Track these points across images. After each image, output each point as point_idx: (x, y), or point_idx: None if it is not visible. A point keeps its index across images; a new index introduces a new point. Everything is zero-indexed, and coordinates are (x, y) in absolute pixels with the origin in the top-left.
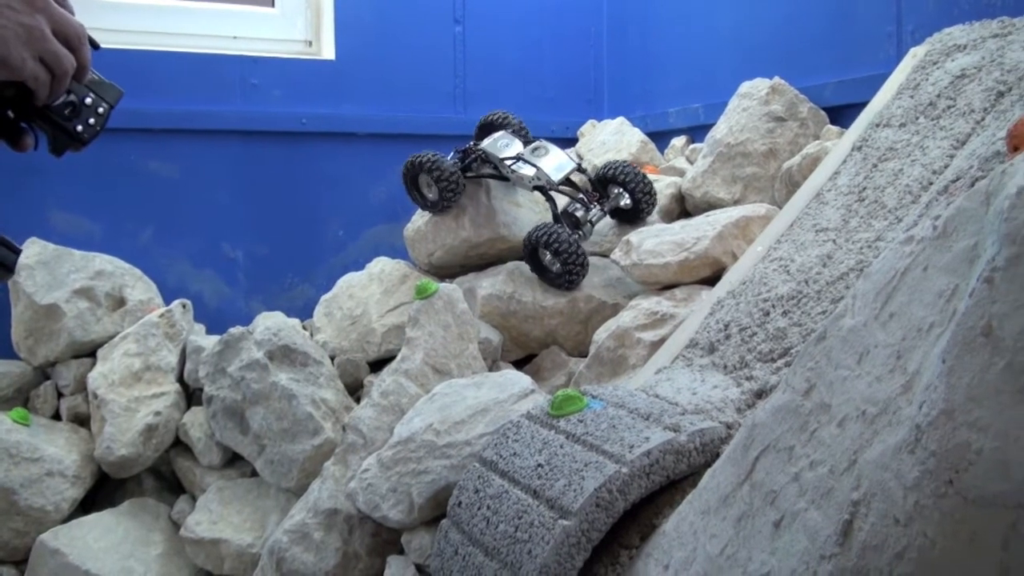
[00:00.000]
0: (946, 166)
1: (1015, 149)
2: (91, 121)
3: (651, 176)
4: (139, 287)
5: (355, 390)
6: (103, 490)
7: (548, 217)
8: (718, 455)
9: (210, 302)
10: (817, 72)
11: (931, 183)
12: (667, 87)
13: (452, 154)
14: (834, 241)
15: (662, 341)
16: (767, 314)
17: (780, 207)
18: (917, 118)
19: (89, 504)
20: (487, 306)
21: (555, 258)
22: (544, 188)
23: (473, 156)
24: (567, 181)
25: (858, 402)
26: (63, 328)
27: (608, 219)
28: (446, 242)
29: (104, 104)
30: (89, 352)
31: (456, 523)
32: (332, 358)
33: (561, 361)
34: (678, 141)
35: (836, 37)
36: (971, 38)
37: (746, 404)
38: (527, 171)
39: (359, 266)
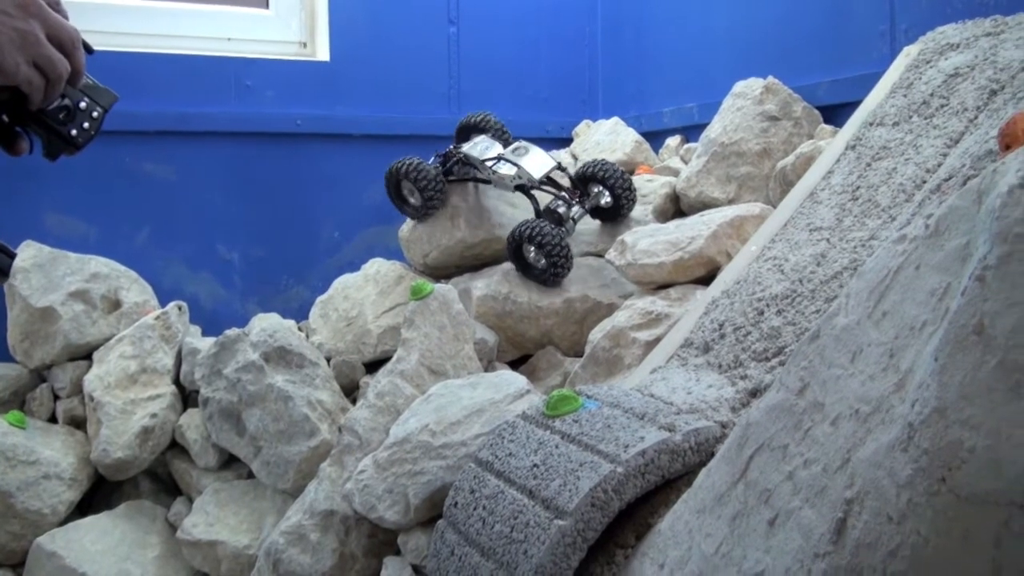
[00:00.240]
0: (939, 165)
1: (1007, 147)
2: (85, 125)
3: (646, 176)
4: (135, 289)
5: (351, 391)
6: (100, 493)
7: None
8: (713, 454)
9: (206, 304)
10: (811, 71)
11: (925, 182)
12: (661, 87)
13: (433, 158)
14: (828, 240)
15: (657, 341)
16: (761, 313)
17: (774, 206)
18: (910, 117)
19: (86, 507)
20: (482, 307)
21: (539, 253)
22: (526, 187)
23: (454, 159)
24: (549, 180)
25: (851, 401)
26: (59, 331)
27: (589, 218)
28: (441, 243)
29: (98, 108)
30: (85, 355)
31: (452, 523)
32: (328, 359)
33: (557, 361)
34: (672, 141)
35: (829, 36)
36: (964, 37)
37: (741, 403)
38: (508, 170)
39: (354, 267)
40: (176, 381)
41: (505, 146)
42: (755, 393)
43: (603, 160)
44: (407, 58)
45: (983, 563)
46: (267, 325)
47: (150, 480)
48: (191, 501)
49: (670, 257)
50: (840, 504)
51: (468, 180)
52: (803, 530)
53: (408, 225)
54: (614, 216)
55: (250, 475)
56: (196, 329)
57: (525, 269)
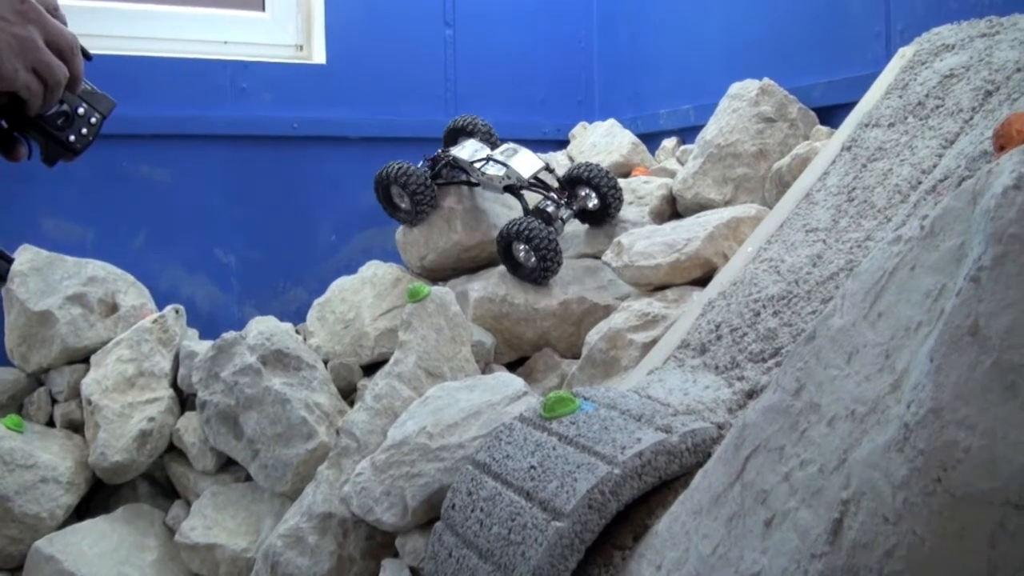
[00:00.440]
0: (935, 165)
1: (1002, 148)
2: (83, 131)
3: (642, 177)
4: (132, 293)
5: (348, 394)
6: (97, 496)
7: None
8: (710, 455)
9: (203, 307)
10: (806, 73)
11: (920, 182)
12: (657, 89)
13: (421, 163)
14: (824, 241)
15: (654, 342)
16: (757, 314)
17: (770, 208)
18: (906, 118)
19: (84, 511)
20: (479, 309)
21: (530, 249)
22: (515, 187)
23: (443, 162)
24: (537, 181)
25: (847, 401)
26: (56, 334)
27: (577, 222)
28: (438, 245)
29: (97, 114)
30: (82, 358)
31: (450, 526)
32: (325, 362)
33: (554, 363)
34: (669, 142)
35: (825, 38)
36: (959, 38)
37: (737, 404)
38: (497, 171)
39: (351, 270)
40: (173, 384)
41: (493, 149)
42: (752, 394)
43: (590, 163)
44: (403, 61)
45: (979, 563)
46: (264, 328)
47: (148, 484)
48: (189, 504)
49: (666, 259)
50: (836, 504)
51: (456, 183)
52: (799, 531)
53: (404, 227)
54: (601, 219)
55: (248, 478)
56: (193, 332)
57: (515, 268)
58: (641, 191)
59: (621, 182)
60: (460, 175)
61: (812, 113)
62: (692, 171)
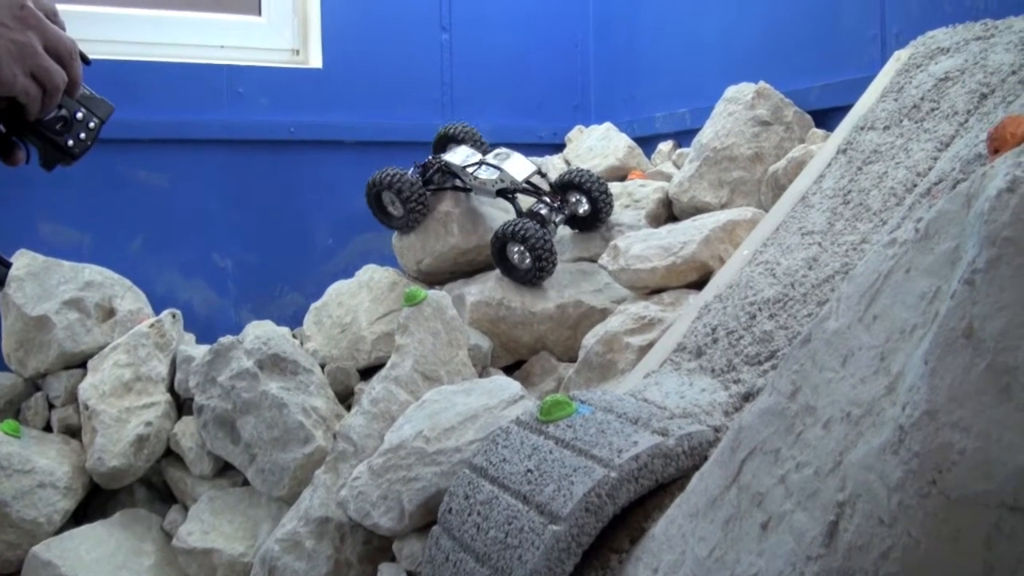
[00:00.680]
0: (930, 168)
1: (996, 151)
2: (82, 136)
3: (639, 181)
4: (129, 297)
5: (345, 398)
6: (95, 501)
7: None
8: (706, 458)
9: (200, 311)
10: (802, 76)
11: (915, 185)
12: (653, 92)
13: (412, 169)
14: (819, 244)
15: (650, 345)
16: (753, 317)
17: (766, 211)
18: (901, 121)
19: (81, 515)
20: (476, 312)
21: (525, 250)
22: (508, 190)
23: (434, 168)
24: (530, 185)
25: (843, 404)
26: (53, 339)
27: (566, 227)
28: (435, 249)
29: (95, 119)
30: (79, 363)
31: (447, 529)
32: (322, 366)
33: (551, 366)
34: (665, 146)
35: (821, 41)
36: (954, 41)
37: (733, 407)
38: (490, 175)
39: (348, 274)
40: (171, 389)
41: (484, 155)
42: (748, 397)
43: (581, 168)
44: (400, 65)
45: (974, 565)
46: (261, 332)
47: (145, 488)
48: (186, 509)
49: (663, 262)
50: (832, 507)
51: (448, 189)
52: (795, 533)
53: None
54: (592, 224)
55: (245, 483)
56: (190, 337)
57: (509, 271)
58: (637, 194)
59: (617, 185)
60: (452, 181)
61: (808, 116)
62: (688, 174)
